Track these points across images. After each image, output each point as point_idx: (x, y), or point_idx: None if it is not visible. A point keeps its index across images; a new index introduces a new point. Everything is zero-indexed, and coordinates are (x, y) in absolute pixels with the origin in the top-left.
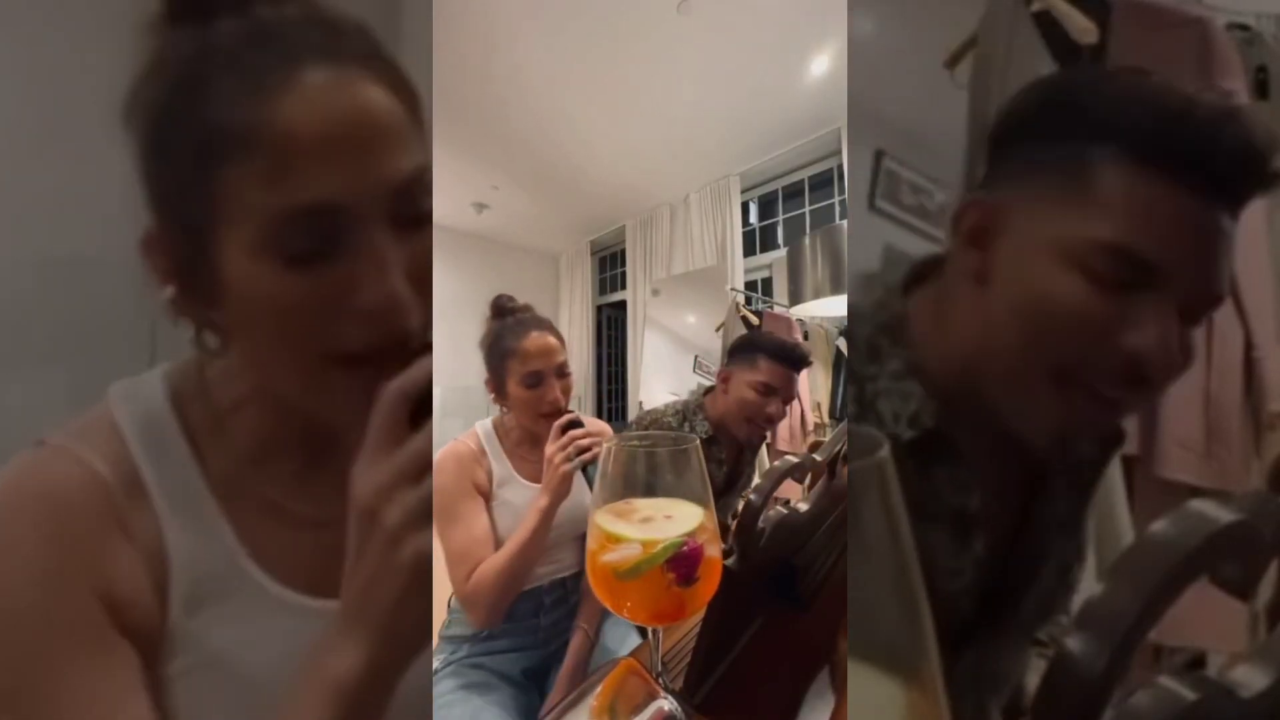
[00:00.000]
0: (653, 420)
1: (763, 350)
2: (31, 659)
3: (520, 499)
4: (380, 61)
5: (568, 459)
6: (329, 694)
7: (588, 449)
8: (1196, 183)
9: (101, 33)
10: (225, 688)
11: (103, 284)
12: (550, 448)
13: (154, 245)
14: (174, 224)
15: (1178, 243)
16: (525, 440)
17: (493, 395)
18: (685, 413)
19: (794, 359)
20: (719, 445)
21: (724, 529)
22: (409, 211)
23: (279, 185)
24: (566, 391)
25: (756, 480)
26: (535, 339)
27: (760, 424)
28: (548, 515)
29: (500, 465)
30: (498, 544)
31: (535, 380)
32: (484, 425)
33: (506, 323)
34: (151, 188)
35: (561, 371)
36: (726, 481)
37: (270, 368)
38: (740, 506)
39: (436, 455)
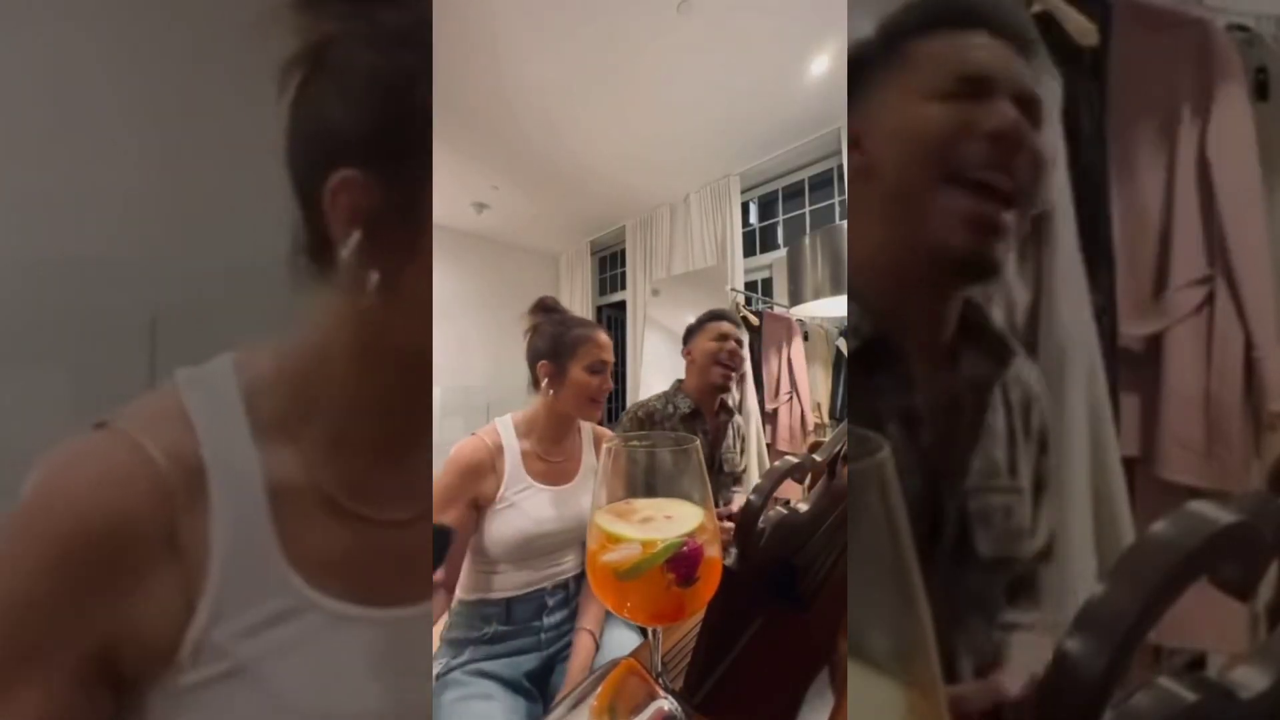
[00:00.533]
0: (639, 406)
1: (704, 319)
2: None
3: (528, 501)
4: None
5: None
6: None
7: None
8: (980, 29)
9: (108, 32)
10: (248, 699)
11: (103, 284)
12: None
13: (351, 188)
14: (385, 169)
15: (990, 61)
16: (548, 437)
17: (545, 380)
18: (668, 395)
19: (728, 315)
20: (700, 418)
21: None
22: None
23: None
24: (610, 390)
25: (757, 480)
26: (604, 334)
27: (725, 363)
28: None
29: (514, 464)
30: (498, 545)
31: (601, 367)
32: (505, 421)
33: (565, 316)
34: (354, 136)
35: (612, 369)
36: (709, 450)
37: (424, 312)
38: (731, 498)
39: (451, 450)
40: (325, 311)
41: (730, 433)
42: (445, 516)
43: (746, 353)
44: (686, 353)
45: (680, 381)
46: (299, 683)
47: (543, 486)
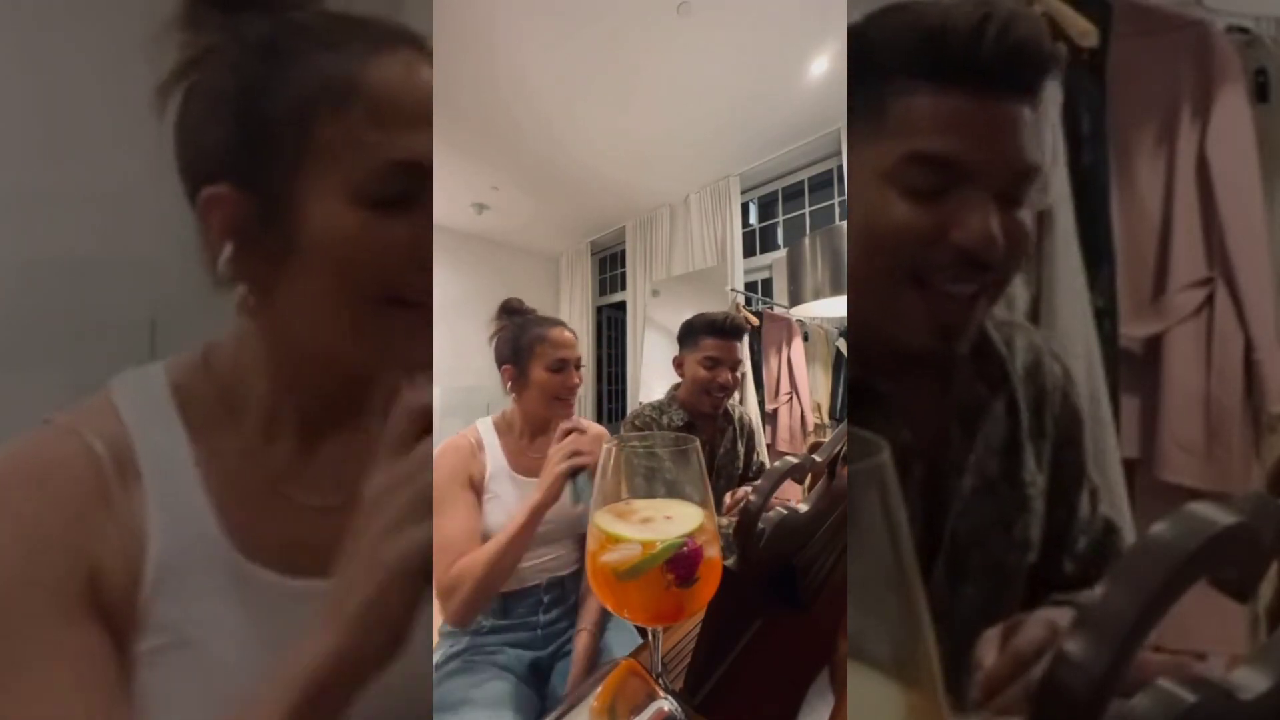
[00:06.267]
0: (636, 415)
1: (700, 330)
2: (7, 620)
3: (510, 493)
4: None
5: (565, 458)
6: (294, 679)
7: (584, 454)
8: (973, 82)
9: (105, 33)
10: (195, 668)
11: (102, 284)
12: (553, 447)
13: (219, 203)
14: (249, 181)
15: (970, 138)
16: (527, 433)
17: (509, 384)
18: (662, 406)
19: (728, 330)
20: (697, 430)
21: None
22: None
23: (375, 138)
24: (578, 386)
25: (758, 482)
26: (560, 331)
27: (715, 393)
28: (537, 513)
29: (495, 458)
30: (484, 539)
31: (560, 365)
32: (484, 421)
33: (527, 318)
34: (219, 151)
35: (578, 364)
36: (709, 457)
37: (319, 315)
38: (730, 497)
39: (436, 449)
40: (236, 317)
41: (731, 434)
42: (453, 497)
43: (746, 356)
44: (678, 364)
45: (676, 389)
46: (245, 648)
47: (525, 479)
